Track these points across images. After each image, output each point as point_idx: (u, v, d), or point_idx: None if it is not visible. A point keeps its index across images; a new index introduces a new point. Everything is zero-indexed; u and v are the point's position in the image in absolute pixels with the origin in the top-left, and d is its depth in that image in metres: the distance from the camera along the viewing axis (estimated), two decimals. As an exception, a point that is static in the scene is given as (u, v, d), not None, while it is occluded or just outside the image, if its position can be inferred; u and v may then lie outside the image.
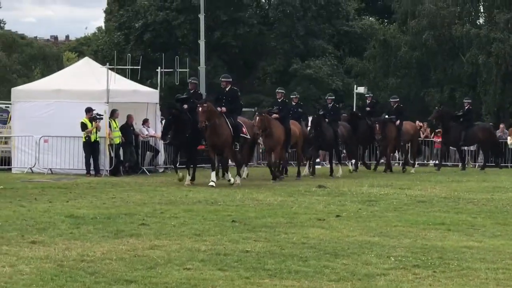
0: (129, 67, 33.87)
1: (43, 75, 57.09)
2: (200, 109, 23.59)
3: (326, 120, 31.03)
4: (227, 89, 25.40)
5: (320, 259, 11.69)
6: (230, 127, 24.48)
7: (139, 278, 10.12)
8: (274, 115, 27.59)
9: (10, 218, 16.24)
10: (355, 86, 45.00)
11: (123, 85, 31.46)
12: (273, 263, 11.30)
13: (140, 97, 32.33)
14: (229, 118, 24.56)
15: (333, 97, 33.39)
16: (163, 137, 27.28)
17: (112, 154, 27.79)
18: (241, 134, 25.04)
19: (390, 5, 63.04)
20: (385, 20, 65.69)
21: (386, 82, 55.94)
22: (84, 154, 29.08)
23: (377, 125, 33.28)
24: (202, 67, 47.98)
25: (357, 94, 44.21)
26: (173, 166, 27.52)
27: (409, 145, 36.40)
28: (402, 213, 18.25)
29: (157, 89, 35.23)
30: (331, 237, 14.01)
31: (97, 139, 28.16)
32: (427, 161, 41.54)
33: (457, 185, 26.51)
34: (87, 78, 30.56)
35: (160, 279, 10.14)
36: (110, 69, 31.99)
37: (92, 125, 27.81)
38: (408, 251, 12.42)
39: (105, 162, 28.72)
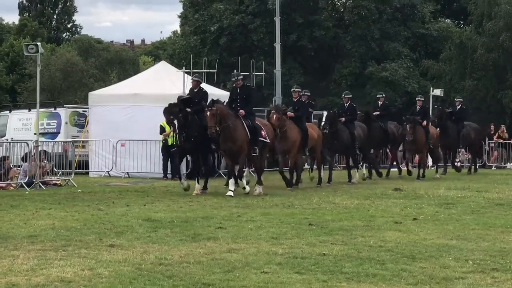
0: (205, 70, 34.03)
1: (120, 79, 57.64)
2: (208, 113, 22.03)
3: (342, 120, 29.06)
4: (239, 87, 23.75)
5: (398, 263, 11.64)
6: (247, 130, 22.69)
7: (216, 281, 10.15)
8: (290, 114, 25.54)
9: (89, 222, 16.41)
10: (431, 88, 44.63)
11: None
12: (350, 266, 11.27)
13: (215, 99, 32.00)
14: (246, 120, 22.77)
15: (350, 96, 31.21)
16: (179, 138, 24.90)
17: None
18: (260, 138, 23.15)
19: (466, 7, 62.71)
20: (461, 22, 65.20)
21: (462, 84, 55.41)
22: (161, 158, 29.35)
23: (407, 125, 31.36)
24: (278, 70, 47.90)
25: (433, 96, 43.79)
26: (176, 175, 26.12)
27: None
28: (480, 216, 18.06)
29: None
30: (408, 240, 13.93)
31: (174, 143, 28.22)
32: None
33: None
34: (164, 82, 30.74)
35: (238, 282, 10.16)
36: (186, 72, 32.25)
37: (170, 128, 27.82)
38: (486, 254, 12.29)
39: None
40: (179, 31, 75.62)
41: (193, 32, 64.42)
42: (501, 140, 41.90)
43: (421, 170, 32.23)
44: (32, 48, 29.10)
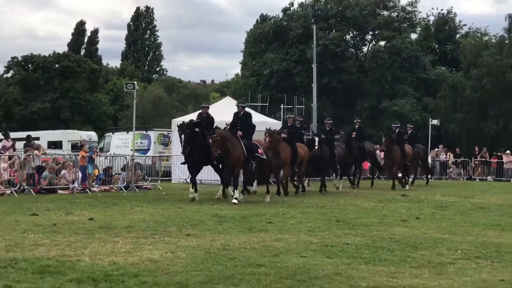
0: (259, 104, 34.18)
1: (195, 109, 58.01)
2: (210, 140, 20.83)
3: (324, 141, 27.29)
4: (241, 113, 22.43)
5: (404, 251, 11.58)
6: (244, 148, 21.40)
7: (267, 263, 10.17)
8: (283, 135, 24.29)
9: (171, 217, 16.52)
10: (430, 119, 44.28)
11: (255, 117, 31.60)
12: (368, 253, 11.24)
13: (267, 127, 31.79)
14: (243, 139, 21.47)
15: (331, 121, 29.32)
16: (184, 151, 23.76)
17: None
18: (256, 154, 21.94)
19: (457, 58, 62.33)
20: (454, 69, 64.57)
21: (454, 116, 54.90)
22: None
23: (384, 145, 30.32)
24: (314, 105, 48.06)
25: (432, 125, 43.38)
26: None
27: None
28: (467, 216, 17.90)
29: (280, 121, 35.48)
30: (412, 234, 13.84)
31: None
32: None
33: (510, 196, 25.96)
34: (228, 112, 30.76)
35: (283, 264, 10.17)
36: (243, 104, 32.44)
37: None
38: (471, 246, 12.19)
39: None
40: (240, 74, 75.77)
41: (251, 75, 64.54)
42: (483, 159, 41.58)
43: (408, 180, 31.15)
44: (130, 86, 29.47)
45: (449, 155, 43.59)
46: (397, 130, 31.03)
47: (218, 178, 23.71)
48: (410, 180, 31.70)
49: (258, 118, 30.62)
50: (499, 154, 41.80)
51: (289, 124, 25.95)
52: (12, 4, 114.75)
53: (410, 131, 33.04)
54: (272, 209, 18.76)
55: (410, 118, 55.21)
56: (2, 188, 23.51)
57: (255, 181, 24.35)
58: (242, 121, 21.97)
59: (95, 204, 19.96)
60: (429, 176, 35.73)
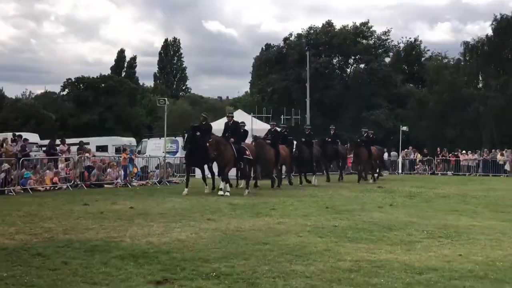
0: (264, 115, 34.11)
1: (212, 120, 58.09)
2: (208, 144, 20.31)
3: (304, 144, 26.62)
4: (230, 122, 21.81)
5: (380, 232, 11.55)
6: (235, 151, 20.87)
7: (271, 241, 10.17)
8: (268, 141, 23.87)
9: (195, 205, 16.52)
10: (400, 126, 44.00)
11: (259, 125, 31.51)
12: (351, 233, 11.21)
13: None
14: (235, 144, 20.97)
15: (310, 127, 28.81)
16: (184, 147, 23.58)
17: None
18: (244, 156, 21.36)
19: (422, 77, 62.57)
20: (419, 86, 64.47)
21: (420, 124, 54.86)
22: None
23: (352, 146, 29.34)
24: (307, 115, 48.12)
25: (402, 131, 42.95)
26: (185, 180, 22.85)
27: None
28: (431, 204, 17.84)
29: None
30: (387, 218, 13.81)
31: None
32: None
33: (465, 187, 25.83)
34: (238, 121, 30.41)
35: (284, 242, 10.16)
36: (253, 116, 32.40)
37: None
38: (435, 227, 12.16)
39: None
40: (248, 91, 75.78)
41: (257, 92, 64.78)
42: (444, 158, 41.47)
43: (368, 175, 29.75)
44: (162, 101, 29.45)
45: (417, 155, 43.44)
46: (365, 134, 30.56)
47: (233, 174, 23.28)
48: (376, 175, 30.69)
49: (263, 126, 30.40)
50: (456, 153, 41.84)
51: (272, 130, 25.36)
52: (67, 36, 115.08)
53: (365, 135, 31.41)
54: (274, 199, 18.74)
55: (384, 126, 55.30)
56: (60, 183, 23.58)
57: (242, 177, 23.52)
58: (232, 129, 21.55)
59: (134, 195, 20.02)
60: (383, 172, 34.38)
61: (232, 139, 21.04)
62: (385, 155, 42.56)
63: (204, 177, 22.72)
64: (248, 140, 23.67)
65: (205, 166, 22.94)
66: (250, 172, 22.80)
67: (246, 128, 24.01)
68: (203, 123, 22.84)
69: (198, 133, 21.78)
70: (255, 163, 22.80)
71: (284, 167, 26.61)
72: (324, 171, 29.92)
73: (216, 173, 22.32)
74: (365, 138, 29.95)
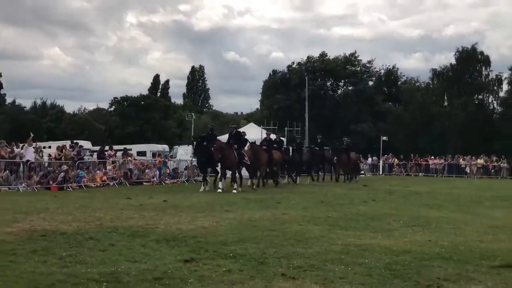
0: (271, 127, 34.11)
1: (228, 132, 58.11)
2: (213, 149, 20.02)
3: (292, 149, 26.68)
4: (233, 132, 21.55)
5: (365, 221, 11.50)
6: (236, 156, 20.48)
7: (277, 229, 10.14)
8: (263, 147, 23.40)
9: (215, 199, 16.56)
10: (381, 136, 43.85)
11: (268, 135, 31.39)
12: (342, 223, 11.16)
13: (279, 142, 30.14)
14: (236, 150, 20.62)
15: (300, 137, 28.29)
16: (194, 154, 23.26)
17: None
18: (243, 161, 21.06)
19: (399, 97, 62.45)
20: (397, 104, 64.22)
21: (397, 135, 54.53)
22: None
23: (336, 153, 28.69)
24: (306, 128, 48.02)
25: (383, 140, 42.74)
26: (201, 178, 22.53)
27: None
28: (406, 199, 17.78)
29: (284, 138, 35.16)
30: (370, 210, 13.76)
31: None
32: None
33: (433, 186, 25.78)
34: (252, 133, 30.32)
35: (287, 229, 10.12)
36: (263, 128, 32.36)
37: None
38: (409, 218, 12.09)
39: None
40: (259, 108, 75.78)
41: (266, 109, 64.60)
42: (417, 162, 41.40)
43: (349, 176, 29.12)
44: (190, 116, 29.68)
45: (394, 159, 43.37)
46: (345, 143, 29.84)
47: (246, 174, 22.79)
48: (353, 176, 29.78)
49: (272, 136, 30.16)
50: (426, 159, 41.80)
51: (267, 139, 24.90)
52: (114, 63, 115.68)
53: (350, 144, 30.89)
54: (279, 195, 18.73)
55: (368, 136, 55.12)
56: (108, 181, 23.66)
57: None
58: (234, 137, 21.30)
59: (167, 191, 20.04)
60: (357, 175, 32.08)
61: (235, 146, 20.80)
62: (369, 160, 42.54)
63: (204, 178, 21.76)
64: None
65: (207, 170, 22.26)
66: (240, 174, 21.73)
67: (249, 136, 23.67)
68: (210, 132, 22.54)
69: (205, 143, 21.39)
70: (252, 167, 22.25)
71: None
72: (313, 173, 29.33)
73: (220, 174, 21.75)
74: (345, 146, 29.52)
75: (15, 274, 6.46)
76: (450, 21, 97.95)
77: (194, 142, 22.83)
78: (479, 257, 7.86)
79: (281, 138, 28.27)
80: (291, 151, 26.28)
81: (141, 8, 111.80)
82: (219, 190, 19.79)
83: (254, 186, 21.97)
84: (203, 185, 21.18)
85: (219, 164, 21.26)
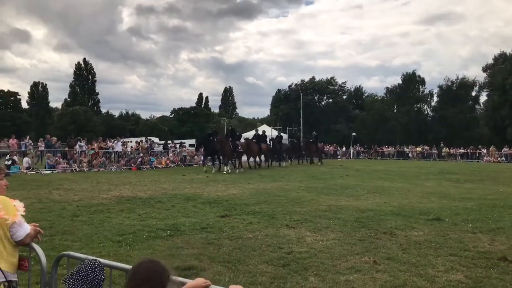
0: (277, 127, 33.80)
1: (244, 131, 57.31)
2: (215, 140, 18.71)
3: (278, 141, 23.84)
4: (229, 129, 19.89)
5: (341, 190, 11.22)
6: (232, 146, 18.95)
7: (282, 195, 10.00)
8: (253, 141, 21.64)
9: (241, 176, 16.22)
10: (352, 133, 42.98)
11: (274, 133, 30.08)
12: (326, 191, 10.92)
13: (264, 137, 24.38)
14: (231, 142, 19.06)
15: (280, 135, 25.25)
16: (197, 148, 21.20)
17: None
18: (237, 149, 19.33)
19: (363, 106, 61.28)
20: (362, 111, 62.42)
21: (362, 132, 52.80)
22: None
23: (305, 143, 26.53)
24: (301, 128, 47.37)
25: (353, 135, 41.93)
26: (206, 163, 20.46)
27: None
28: (369, 174, 17.31)
29: (287, 135, 34.45)
30: (345, 182, 13.43)
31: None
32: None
33: (387, 166, 25.01)
34: (266, 132, 26.25)
35: (289, 195, 9.92)
36: (272, 128, 31.89)
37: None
38: (372, 188, 11.86)
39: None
40: (269, 114, 75.20)
41: (274, 115, 64.09)
42: (376, 150, 40.70)
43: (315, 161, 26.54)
44: (223, 120, 29.47)
45: (360, 148, 42.80)
46: (314, 136, 27.84)
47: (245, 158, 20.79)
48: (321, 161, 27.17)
49: (274, 133, 27.89)
50: (382, 148, 41.23)
51: (256, 134, 23.25)
52: (173, 86, 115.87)
53: (314, 137, 28.20)
54: (283, 172, 18.57)
55: (343, 133, 54.35)
56: (170, 164, 23.70)
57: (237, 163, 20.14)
58: (231, 133, 19.94)
59: (209, 170, 19.83)
60: (321, 160, 28.43)
61: (230, 139, 19.32)
62: (343, 149, 41.94)
63: (213, 163, 19.72)
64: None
65: (215, 156, 20.31)
66: (241, 159, 20.07)
67: (259, 133, 22.42)
68: (214, 130, 21.21)
69: (211, 138, 19.80)
70: (243, 154, 20.34)
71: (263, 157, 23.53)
72: (293, 158, 26.83)
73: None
74: (313, 138, 27.67)
75: (110, 225, 6.55)
76: (397, 54, 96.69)
77: (198, 141, 20.80)
78: (418, 213, 7.76)
79: (277, 134, 25.94)
80: (271, 143, 23.86)
81: (190, 48, 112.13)
82: (224, 172, 17.89)
83: (228, 170, 18.44)
84: (214, 168, 19.56)
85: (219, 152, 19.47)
